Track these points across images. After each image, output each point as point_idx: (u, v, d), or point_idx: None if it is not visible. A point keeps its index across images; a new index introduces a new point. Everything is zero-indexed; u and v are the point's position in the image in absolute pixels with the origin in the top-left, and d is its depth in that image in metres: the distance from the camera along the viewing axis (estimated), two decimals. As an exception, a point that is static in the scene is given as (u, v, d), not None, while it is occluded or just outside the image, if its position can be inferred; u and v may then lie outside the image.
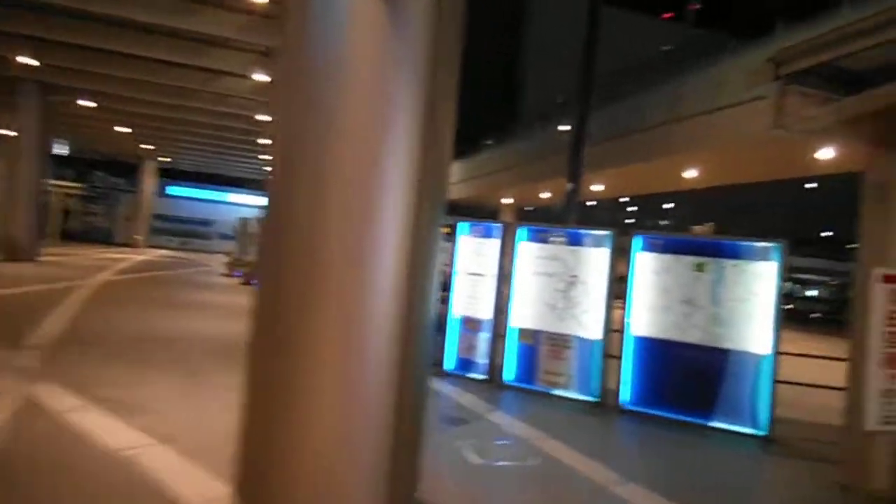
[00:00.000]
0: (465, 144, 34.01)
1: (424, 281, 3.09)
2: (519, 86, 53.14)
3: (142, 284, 15.00)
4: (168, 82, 15.76)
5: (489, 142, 31.46)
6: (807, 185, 42.50)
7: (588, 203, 34.74)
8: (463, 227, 7.56)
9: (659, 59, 20.61)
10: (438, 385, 6.71)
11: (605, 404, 6.31)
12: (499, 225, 7.36)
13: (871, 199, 4.45)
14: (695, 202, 37.74)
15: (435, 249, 3.23)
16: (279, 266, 2.90)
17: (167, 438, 4.01)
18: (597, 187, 23.45)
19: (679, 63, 16.93)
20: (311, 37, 2.82)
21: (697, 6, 51.56)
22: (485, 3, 55.31)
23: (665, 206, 48.51)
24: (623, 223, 38.20)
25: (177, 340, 7.81)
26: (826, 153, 12.64)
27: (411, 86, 2.94)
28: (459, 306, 7.42)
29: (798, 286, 39.94)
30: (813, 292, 41.30)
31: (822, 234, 46.62)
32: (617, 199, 38.71)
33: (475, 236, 7.46)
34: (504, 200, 31.60)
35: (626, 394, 6.26)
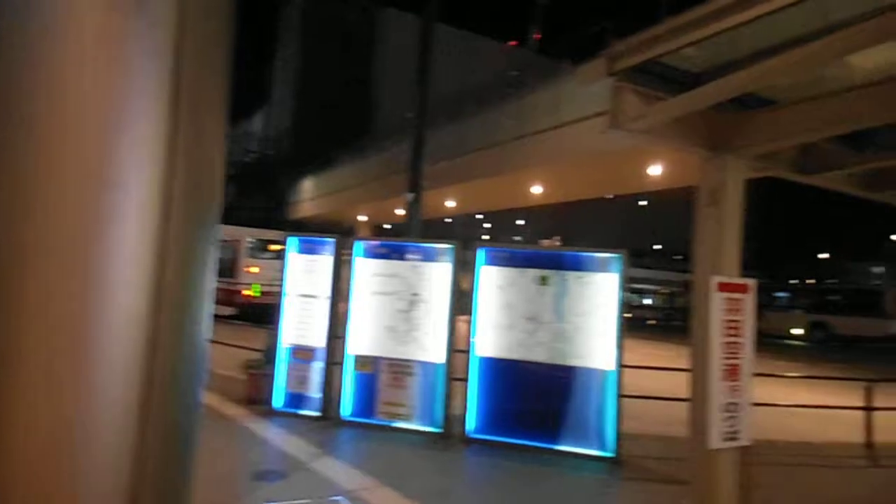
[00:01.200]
0: (320, 159, 32.90)
1: (183, 304, 2.27)
2: (374, 101, 52.91)
3: None
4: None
5: (344, 157, 30.60)
6: (640, 202, 46.38)
7: (444, 219, 35.05)
8: (292, 242, 6.69)
9: (506, 80, 21.15)
10: (261, 428, 5.76)
11: (451, 434, 5.75)
12: (332, 240, 6.59)
13: (703, 205, 4.31)
14: (547, 217, 39.68)
15: (203, 266, 2.43)
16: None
17: None
18: (450, 203, 23.48)
19: (524, 84, 17.36)
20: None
21: (539, 35, 54.87)
22: (341, 20, 54.66)
23: (518, 221, 50.67)
24: (478, 239, 39.09)
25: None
26: (657, 169, 13.40)
27: (151, 73, 2.11)
28: (289, 334, 6.53)
29: (635, 295, 43.19)
30: (648, 301, 44.95)
31: (654, 247, 51.06)
32: (472, 215, 39.53)
33: (306, 253, 6.64)
34: (360, 217, 30.83)
35: (471, 421, 5.75)
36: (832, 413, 6.73)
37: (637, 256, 39.56)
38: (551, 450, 5.45)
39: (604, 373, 5.48)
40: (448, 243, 6.21)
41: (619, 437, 5.33)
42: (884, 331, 21.19)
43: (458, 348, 5.94)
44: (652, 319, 33.96)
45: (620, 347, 5.48)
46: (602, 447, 5.37)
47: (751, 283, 4.24)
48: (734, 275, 4.21)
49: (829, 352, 19.02)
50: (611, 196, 36.46)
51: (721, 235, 4.23)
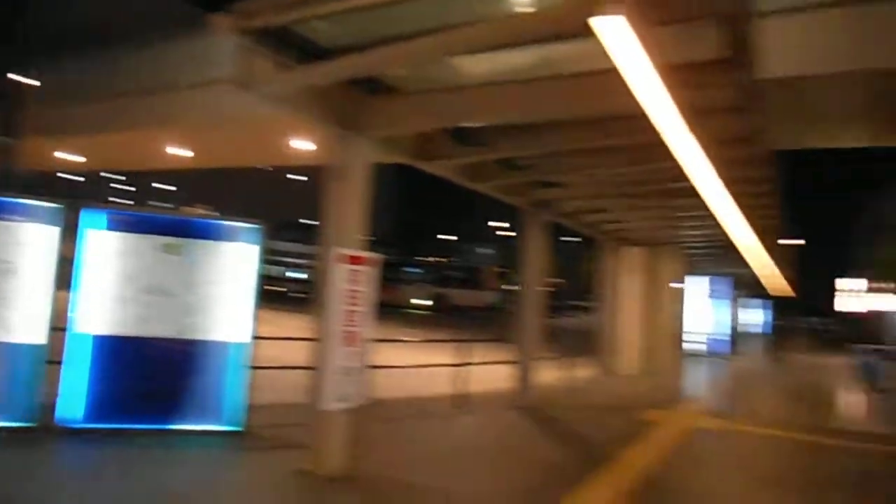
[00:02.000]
0: None
1: None
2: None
3: None
4: None
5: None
6: (293, 176, 46.95)
7: (68, 176, 29.79)
8: None
9: (149, 23, 18.67)
10: None
11: (48, 427, 4.85)
12: None
13: (332, 180, 4.49)
14: (204, 185, 37.03)
15: None
16: None
17: None
18: (74, 157, 19.86)
19: (168, 31, 15.52)
20: None
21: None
22: None
23: (171, 187, 46.26)
24: (105, 200, 34.30)
25: None
26: (308, 143, 13.59)
27: None
28: None
29: (283, 268, 43.55)
30: (295, 274, 45.78)
31: (305, 221, 52.24)
32: (103, 174, 34.55)
33: None
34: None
35: (72, 409, 4.95)
36: (441, 371, 7.80)
37: (289, 229, 39.83)
38: (174, 430, 5.08)
39: (234, 346, 5.32)
40: (52, 202, 5.18)
41: (249, 409, 5.25)
42: (483, 301, 26.62)
43: (61, 326, 5.04)
44: (301, 292, 34.80)
45: (256, 319, 5.39)
46: (228, 421, 5.22)
47: (371, 256, 4.59)
48: (357, 248, 4.49)
49: (448, 319, 22.33)
50: (270, 168, 35.99)
51: (346, 211, 4.47)
